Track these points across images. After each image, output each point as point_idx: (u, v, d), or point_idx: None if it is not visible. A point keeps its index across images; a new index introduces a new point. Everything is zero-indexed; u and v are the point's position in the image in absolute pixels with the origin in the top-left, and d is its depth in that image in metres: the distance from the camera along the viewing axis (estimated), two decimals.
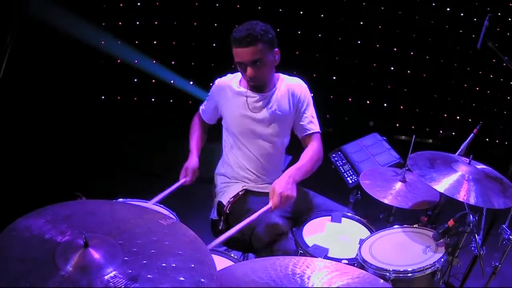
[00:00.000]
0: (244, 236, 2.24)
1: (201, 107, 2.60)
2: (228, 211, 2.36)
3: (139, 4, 5.06)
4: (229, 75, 2.45)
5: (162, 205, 2.26)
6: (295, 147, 2.51)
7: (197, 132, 2.61)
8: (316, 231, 2.21)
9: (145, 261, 1.19)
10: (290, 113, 2.38)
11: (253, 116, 2.35)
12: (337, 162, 2.91)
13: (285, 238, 2.14)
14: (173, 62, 5.16)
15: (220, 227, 2.37)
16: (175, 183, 2.40)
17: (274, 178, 2.23)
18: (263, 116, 2.34)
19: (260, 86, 2.33)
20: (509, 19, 4.93)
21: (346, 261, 1.99)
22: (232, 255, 2.10)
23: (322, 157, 2.39)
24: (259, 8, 5.12)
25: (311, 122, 2.41)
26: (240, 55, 2.20)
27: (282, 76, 2.43)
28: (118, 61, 5.00)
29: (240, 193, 2.38)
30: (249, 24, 2.20)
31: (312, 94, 2.44)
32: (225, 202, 2.39)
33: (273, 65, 2.32)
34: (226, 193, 2.42)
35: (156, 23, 5.14)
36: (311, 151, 2.35)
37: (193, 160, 2.49)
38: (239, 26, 2.22)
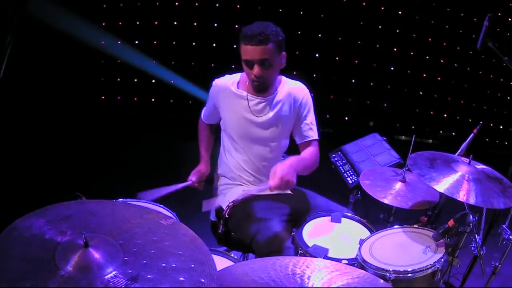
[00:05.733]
0: (245, 241, 2.24)
1: (203, 110, 2.58)
2: (227, 216, 2.33)
3: (139, 4, 5.06)
4: (227, 76, 2.41)
5: (162, 205, 2.25)
6: (295, 148, 2.50)
7: (203, 136, 2.59)
8: (316, 231, 2.21)
9: (145, 261, 1.20)
10: (290, 117, 2.35)
11: (255, 120, 2.32)
12: (337, 162, 2.91)
13: (285, 248, 2.11)
14: (173, 62, 5.16)
15: (220, 230, 2.35)
16: (181, 184, 2.36)
17: None
18: (264, 119, 2.32)
19: (262, 87, 2.28)
20: (509, 19, 4.93)
21: (346, 261, 1.98)
22: (232, 255, 2.10)
23: (317, 163, 2.37)
24: (259, 8, 5.11)
25: (310, 129, 2.38)
26: (249, 53, 2.16)
27: (284, 79, 2.40)
28: (118, 61, 5.00)
29: (239, 197, 2.35)
30: (261, 23, 2.17)
31: (312, 95, 2.42)
32: (224, 206, 2.35)
33: (279, 68, 2.27)
34: (226, 197, 2.39)
35: (156, 23, 5.14)
36: (309, 154, 2.35)
37: (205, 165, 2.50)
38: (250, 24, 2.19)
